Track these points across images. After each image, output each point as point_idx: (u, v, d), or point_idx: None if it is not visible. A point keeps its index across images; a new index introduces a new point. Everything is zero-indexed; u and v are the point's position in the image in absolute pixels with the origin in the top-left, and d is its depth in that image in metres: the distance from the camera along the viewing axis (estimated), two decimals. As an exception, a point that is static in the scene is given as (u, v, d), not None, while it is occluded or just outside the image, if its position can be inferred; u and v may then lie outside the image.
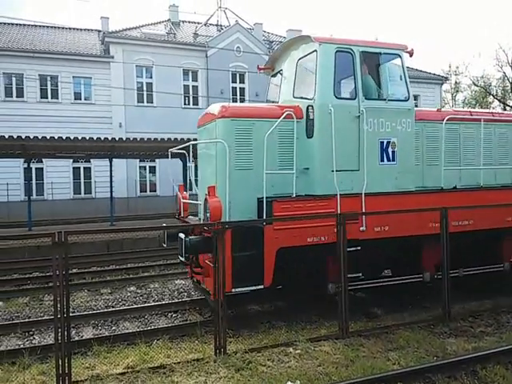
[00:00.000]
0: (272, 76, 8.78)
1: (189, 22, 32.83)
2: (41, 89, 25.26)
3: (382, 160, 7.28)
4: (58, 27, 29.52)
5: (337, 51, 7.13)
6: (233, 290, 6.13)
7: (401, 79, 7.57)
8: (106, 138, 16.96)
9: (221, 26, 31.62)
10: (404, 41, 7.77)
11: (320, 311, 7.16)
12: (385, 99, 7.30)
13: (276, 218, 6.45)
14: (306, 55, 7.42)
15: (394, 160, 7.34)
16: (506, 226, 8.06)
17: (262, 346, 5.83)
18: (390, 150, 7.32)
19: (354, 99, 7.17)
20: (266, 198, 6.49)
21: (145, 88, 26.99)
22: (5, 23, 28.15)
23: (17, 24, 28.81)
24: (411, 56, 7.63)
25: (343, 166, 6.94)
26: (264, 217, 6.44)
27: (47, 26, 29.16)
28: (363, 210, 6.94)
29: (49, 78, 25.44)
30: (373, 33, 75.43)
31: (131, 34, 27.25)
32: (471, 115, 8.50)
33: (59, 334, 4.65)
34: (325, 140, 6.86)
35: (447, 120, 7.90)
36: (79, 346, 6.00)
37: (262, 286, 6.38)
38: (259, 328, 6.71)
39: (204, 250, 6.36)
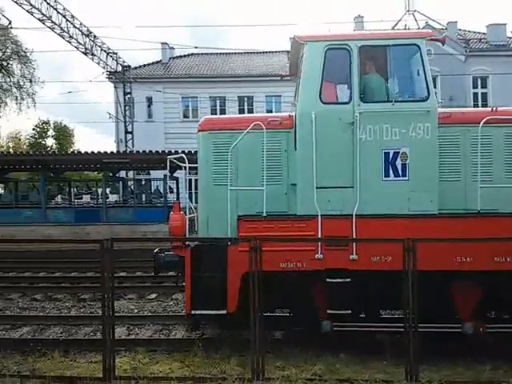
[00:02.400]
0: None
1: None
2: (239, 108, 28.42)
3: (387, 175, 6.00)
4: (255, 52, 32.68)
5: (328, 49, 6.18)
6: (192, 311, 5.96)
7: (418, 74, 6.17)
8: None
9: (409, 29, 30.33)
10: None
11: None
12: (391, 101, 6.07)
13: (235, 238, 5.88)
14: (301, 57, 6.57)
15: (404, 175, 5.99)
16: (457, 268, 5.80)
17: (461, 381, 5.31)
18: (398, 162, 5.98)
19: (348, 103, 6.11)
20: (239, 216, 6.09)
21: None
22: (210, 53, 32.59)
23: (220, 53, 33.01)
24: (443, 44, 6.30)
25: (331, 182, 6.02)
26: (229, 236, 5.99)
27: (247, 53, 32.57)
28: (354, 235, 5.83)
29: (246, 99, 28.43)
30: None
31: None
32: None
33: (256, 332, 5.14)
34: (306, 152, 6.01)
35: (485, 123, 5.96)
36: (272, 347, 6.34)
37: (224, 312, 5.93)
38: (458, 360, 5.91)
39: (173, 267, 6.32)
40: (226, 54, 33.05)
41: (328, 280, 5.81)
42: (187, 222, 6.35)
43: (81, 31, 22.68)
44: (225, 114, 28.09)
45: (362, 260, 5.78)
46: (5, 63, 35.79)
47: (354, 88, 6.09)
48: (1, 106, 37.26)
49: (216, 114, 28.38)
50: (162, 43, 30.81)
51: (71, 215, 20.80)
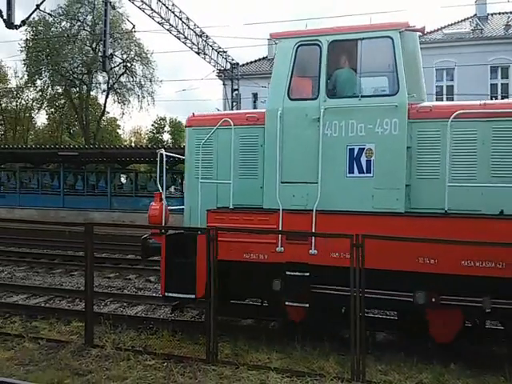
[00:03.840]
0: None
1: (499, 13, 29.23)
2: None
3: (352, 171, 5.86)
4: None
5: (299, 45, 6.15)
6: (165, 293, 6.35)
7: (389, 68, 5.86)
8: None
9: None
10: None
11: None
12: (357, 96, 5.88)
13: (204, 228, 6.11)
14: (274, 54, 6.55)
15: (369, 172, 5.79)
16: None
17: None
18: (363, 159, 5.81)
19: (315, 99, 6.03)
20: (210, 209, 6.36)
21: (444, 92, 25.67)
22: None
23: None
24: (423, 34, 6.17)
25: (296, 177, 6.06)
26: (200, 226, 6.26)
27: None
28: (313, 231, 5.75)
29: None
30: None
31: (432, 38, 26.42)
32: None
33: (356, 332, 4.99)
34: (273, 148, 6.11)
35: (455, 117, 5.47)
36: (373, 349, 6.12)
37: (193, 296, 6.17)
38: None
39: (159, 252, 6.54)
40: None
41: (287, 273, 5.86)
42: (163, 210, 6.67)
43: (195, 32, 23.96)
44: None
45: (321, 255, 5.71)
46: (129, 65, 39.40)
47: (322, 84, 6.03)
48: (125, 103, 41.23)
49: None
50: (269, 39, 31.26)
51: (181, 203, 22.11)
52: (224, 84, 29.68)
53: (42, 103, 44.03)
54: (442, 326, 5.67)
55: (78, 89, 41.19)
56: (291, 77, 6.17)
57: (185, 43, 23.77)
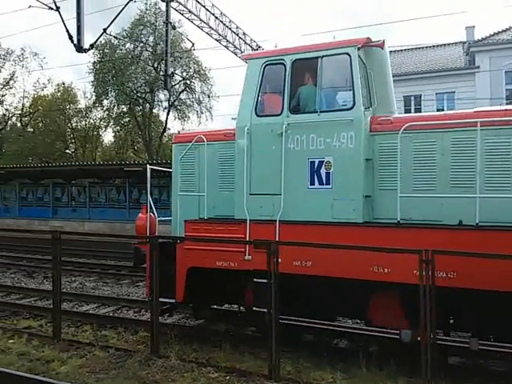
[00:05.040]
0: None
1: None
2: (405, 109, 26.81)
3: (313, 183, 6.13)
4: (423, 47, 30.52)
5: (266, 65, 6.54)
6: (150, 297, 6.72)
7: (346, 83, 6.13)
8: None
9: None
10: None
11: None
12: (316, 111, 6.14)
13: (182, 237, 6.72)
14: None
15: (328, 183, 6.04)
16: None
17: None
18: (323, 171, 6.08)
19: (279, 115, 6.36)
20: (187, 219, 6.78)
21: (515, 95, 24.13)
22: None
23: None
24: (382, 48, 6.37)
25: (263, 189, 6.39)
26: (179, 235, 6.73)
27: (413, 49, 30.65)
28: (277, 239, 6.03)
29: (412, 98, 26.68)
30: None
31: (500, 38, 25.01)
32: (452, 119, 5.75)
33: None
34: (241, 162, 6.49)
35: (405, 129, 5.66)
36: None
37: (173, 301, 6.67)
38: None
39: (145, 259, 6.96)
40: (391, 51, 31.59)
41: (254, 280, 6.11)
42: (148, 221, 7.06)
43: (251, 47, 24.40)
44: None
45: (284, 263, 5.76)
46: (188, 82, 40.81)
47: (285, 100, 6.35)
48: (185, 120, 42.67)
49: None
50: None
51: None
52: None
53: (109, 122, 46.66)
54: None
55: (141, 107, 43.23)
56: (258, 94, 6.57)
57: (242, 58, 24.26)
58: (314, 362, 6.03)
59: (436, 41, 46.26)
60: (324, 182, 6.09)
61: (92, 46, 16.15)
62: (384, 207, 5.97)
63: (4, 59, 50.80)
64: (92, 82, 42.28)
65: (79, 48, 15.12)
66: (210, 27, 21.19)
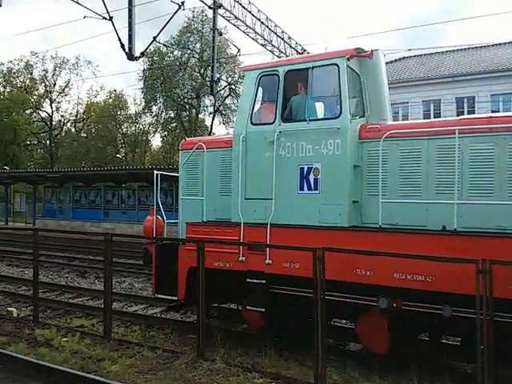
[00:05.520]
0: None
1: None
2: (457, 111, 25.81)
3: (302, 189, 6.41)
4: (477, 47, 29.27)
5: (262, 76, 6.91)
6: (155, 295, 7.42)
7: (334, 92, 6.38)
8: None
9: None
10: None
11: None
12: (306, 120, 6.40)
13: (183, 239, 7.30)
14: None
15: (316, 189, 6.30)
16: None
17: None
18: (311, 177, 6.35)
19: (272, 123, 6.68)
20: (188, 222, 7.29)
21: None
22: (424, 54, 30.59)
23: (436, 53, 30.67)
24: (371, 58, 6.59)
25: (256, 194, 6.71)
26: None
27: (467, 48, 29.47)
28: (268, 242, 6.39)
29: (465, 100, 25.65)
30: None
31: None
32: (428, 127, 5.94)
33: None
34: (237, 168, 6.83)
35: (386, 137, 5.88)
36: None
37: (176, 298, 7.16)
38: None
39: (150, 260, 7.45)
40: (443, 52, 30.48)
41: (248, 280, 6.53)
42: (154, 223, 7.56)
43: (296, 50, 24.36)
44: (439, 117, 25.98)
45: (275, 265, 6.20)
46: (233, 87, 41.33)
47: (278, 109, 6.64)
48: (229, 124, 43.24)
49: (429, 118, 26.47)
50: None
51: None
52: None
53: (157, 127, 48.17)
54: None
55: (187, 112, 44.28)
56: (254, 104, 6.91)
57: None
58: (363, 373, 5.86)
59: (491, 40, 44.28)
60: (312, 187, 6.35)
61: (142, 53, 16.72)
62: (371, 212, 6.11)
63: (60, 68, 53.65)
64: (141, 88, 43.84)
65: (130, 56, 15.68)
66: (256, 32, 21.34)
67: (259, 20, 21.40)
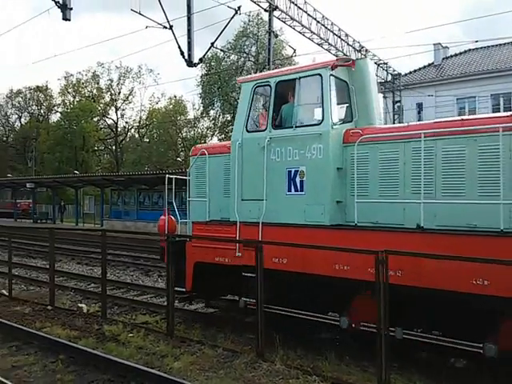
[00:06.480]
0: None
1: None
2: (492, 108, 24.52)
3: (290, 190, 6.94)
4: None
5: (256, 87, 7.53)
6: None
7: (318, 100, 6.83)
8: None
9: None
10: None
11: None
12: (292, 126, 6.96)
13: (190, 236, 8.03)
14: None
15: (302, 190, 6.82)
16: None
17: None
18: (298, 179, 6.86)
19: (264, 130, 7.28)
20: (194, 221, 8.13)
21: None
22: (492, 46, 28.81)
23: (505, 43, 28.82)
24: (352, 67, 7.05)
25: (251, 195, 7.29)
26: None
27: (507, 43, 27.48)
28: (260, 239, 6.89)
29: (501, 96, 24.06)
30: None
31: None
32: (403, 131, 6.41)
33: None
34: (234, 172, 7.48)
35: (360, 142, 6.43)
36: None
37: (184, 289, 7.75)
38: None
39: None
40: (488, 47, 28.66)
41: (243, 274, 7.05)
42: (166, 221, 8.23)
43: (353, 48, 23.86)
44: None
45: (266, 260, 6.40)
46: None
47: (269, 117, 7.25)
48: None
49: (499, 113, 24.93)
50: (435, 44, 29.27)
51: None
52: (385, 97, 28.70)
53: (215, 131, 49.11)
54: None
55: (244, 115, 44.70)
56: (249, 113, 7.49)
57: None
58: (429, 382, 5.59)
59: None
60: (298, 188, 6.88)
61: (201, 60, 17.11)
62: (354, 212, 6.45)
63: (124, 77, 56.38)
64: (200, 93, 44.92)
65: (189, 63, 16.10)
66: (312, 32, 21.15)
67: (315, 19, 21.17)
